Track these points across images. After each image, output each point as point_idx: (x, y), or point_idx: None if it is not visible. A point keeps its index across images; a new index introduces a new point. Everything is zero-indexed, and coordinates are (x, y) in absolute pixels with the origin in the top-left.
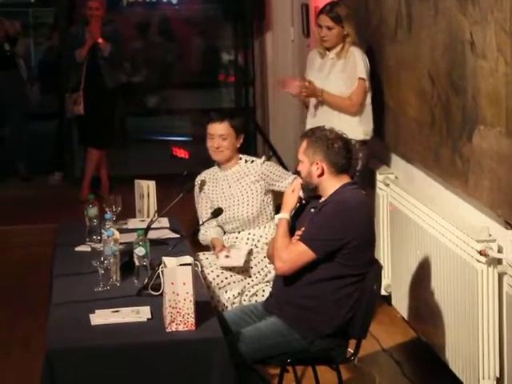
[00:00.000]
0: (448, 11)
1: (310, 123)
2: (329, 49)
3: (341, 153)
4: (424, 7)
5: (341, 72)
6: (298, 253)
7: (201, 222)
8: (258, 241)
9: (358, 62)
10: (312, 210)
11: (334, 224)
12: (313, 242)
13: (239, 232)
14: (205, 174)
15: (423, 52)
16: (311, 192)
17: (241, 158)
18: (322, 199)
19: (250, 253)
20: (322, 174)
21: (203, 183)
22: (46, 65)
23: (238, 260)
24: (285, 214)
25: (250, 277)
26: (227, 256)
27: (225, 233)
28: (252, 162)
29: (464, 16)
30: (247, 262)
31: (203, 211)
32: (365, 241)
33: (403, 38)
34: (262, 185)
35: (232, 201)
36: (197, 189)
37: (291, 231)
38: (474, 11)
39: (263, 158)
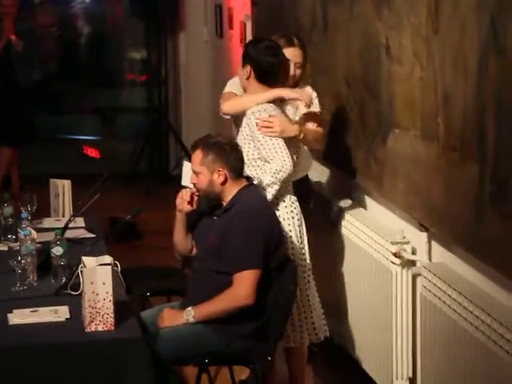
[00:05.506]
0: (364, 15)
1: None
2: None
3: (238, 156)
4: (340, 10)
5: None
6: (247, 281)
7: None
8: None
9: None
10: (215, 218)
11: (251, 234)
12: (249, 263)
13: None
14: None
15: (339, 55)
16: (212, 201)
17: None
18: (224, 205)
19: None
20: (224, 181)
21: None
22: None
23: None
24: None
25: None
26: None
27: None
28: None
29: (380, 20)
30: None
31: None
32: (275, 241)
33: (319, 41)
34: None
35: None
36: None
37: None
38: (389, 16)
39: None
